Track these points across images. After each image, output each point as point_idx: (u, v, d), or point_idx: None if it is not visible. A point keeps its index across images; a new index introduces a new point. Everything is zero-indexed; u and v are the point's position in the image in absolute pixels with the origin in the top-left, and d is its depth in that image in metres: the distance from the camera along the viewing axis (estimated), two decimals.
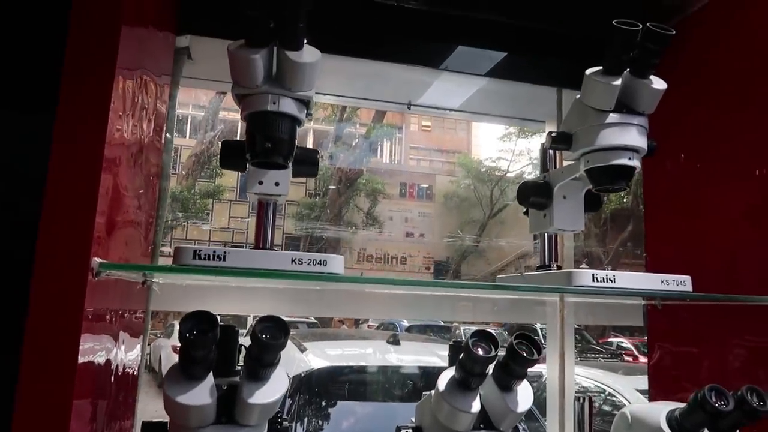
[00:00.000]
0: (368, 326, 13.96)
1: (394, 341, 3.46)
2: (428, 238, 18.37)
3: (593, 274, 0.89)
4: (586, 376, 4.88)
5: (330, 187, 17.76)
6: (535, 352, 0.78)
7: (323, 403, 3.26)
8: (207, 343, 0.73)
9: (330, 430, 3.09)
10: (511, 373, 0.80)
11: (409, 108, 1.59)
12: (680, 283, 0.94)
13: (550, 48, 1.41)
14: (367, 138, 18.92)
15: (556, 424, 1.28)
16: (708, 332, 1.13)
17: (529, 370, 0.79)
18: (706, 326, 1.13)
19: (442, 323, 10.48)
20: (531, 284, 0.98)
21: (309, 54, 0.88)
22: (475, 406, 0.80)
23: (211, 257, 0.81)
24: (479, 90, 1.58)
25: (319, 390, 3.14)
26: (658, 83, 0.95)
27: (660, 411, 0.86)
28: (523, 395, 0.81)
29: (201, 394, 0.75)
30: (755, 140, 1.07)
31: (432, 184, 19.67)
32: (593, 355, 10.27)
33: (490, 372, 0.84)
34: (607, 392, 4.12)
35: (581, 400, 1.09)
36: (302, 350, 3.47)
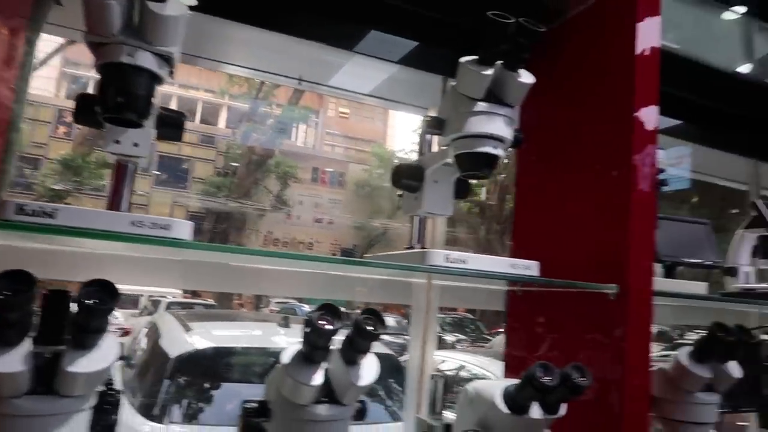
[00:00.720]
0: (270, 310, 13.79)
1: (285, 324, 3.41)
2: (337, 224, 18.38)
3: (446, 255, 0.92)
4: (476, 363, 5.15)
5: (238, 165, 17.22)
6: (380, 327, 0.79)
7: (206, 385, 3.15)
8: (20, 305, 0.67)
9: (212, 412, 2.99)
10: (356, 347, 0.81)
11: (300, 83, 1.55)
12: (527, 267, 1.00)
13: (459, 40, 1.43)
14: (281, 119, 18.52)
15: (413, 402, 1.32)
16: (558, 317, 1.20)
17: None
18: (556, 311, 1.21)
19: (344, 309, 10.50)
20: (382, 262, 0.99)
21: (174, 7, 0.82)
22: (317, 379, 0.79)
23: (39, 213, 0.74)
24: (390, 77, 1.57)
25: (201, 371, 3.04)
26: (527, 77, 0.99)
27: (498, 387, 0.91)
28: (368, 370, 0.82)
29: (12, 361, 0.68)
30: (608, 142, 1.15)
31: (345, 172, 19.68)
32: (483, 343, 10.83)
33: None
34: (492, 379, 4.35)
35: (435, 379, 1.12)
36: (187, 330, 3.33)
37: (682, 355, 1.14)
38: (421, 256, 0.93)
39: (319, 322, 0.77)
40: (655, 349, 1.18)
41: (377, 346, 0.85)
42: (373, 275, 1.23)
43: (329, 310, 0.78)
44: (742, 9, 1.73)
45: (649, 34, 1.13)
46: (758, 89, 1.82)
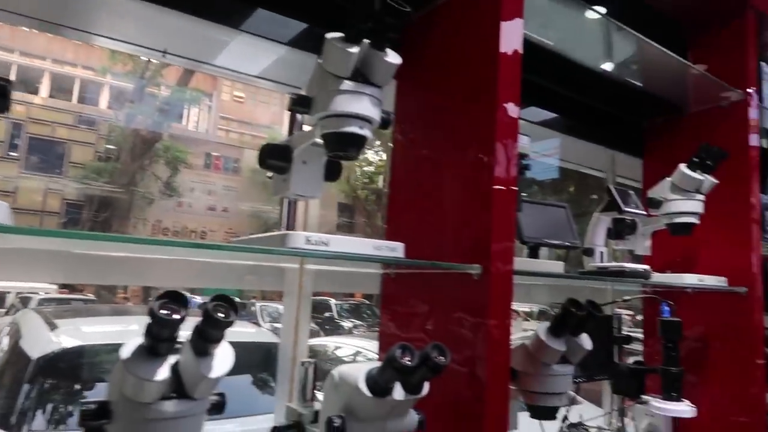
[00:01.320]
0: None
1: None
2: (232, 212, 17.71)
3: (306, 237, 0.89)
4: (371, 348, 5.22)
5: (120, 149, 15.98)
6: (232, 314, 0.74)
7: (77, 387, 2.90)
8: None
9: None
10: (206, 337, 0.75)
11: (164, 56, 1.43)
12: (393, 249, 1.00)
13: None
14: (170, 100, 17.43)
15: (286, 388, 1.29)
16: (428, 298, 1.23)
17: None
18: (426, 293, 1.23)
19: (239, 299, 10.20)
20: (241, 246, 0.94)
21: None
22: (162, 374, 0.73)
23: None
24: (280, 59, 1.50)
25: (69, 372, 2.78)
26: (393, 57, 0.98)
27: (362, 370, 0.90)
28: (220, 361, 0.77)
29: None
30: (473, 127, 1.18)
31: (240, 158, 18.96)
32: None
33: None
34: None
35: (305, 366, 1.10)
36: (52, 328, 3.03)
37: (541, 330, 1.21)
38: (282, 238, 0.89)
39: (161, 311, 0.71)
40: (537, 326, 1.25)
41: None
42: (247, 261, 1.18)
43: (173, 297, 0.72)
44: (603, 9, 1.86)
45: (512, 27, 1.17)
46: (615, 86, 1.98)
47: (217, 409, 0.87)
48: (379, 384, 0.87)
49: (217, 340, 0.77)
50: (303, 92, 1.03)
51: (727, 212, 1.84)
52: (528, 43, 1.25)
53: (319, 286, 1.37)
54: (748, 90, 1.86)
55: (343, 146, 1.00)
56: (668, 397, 1.60)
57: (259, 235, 0.98)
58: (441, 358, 0.86)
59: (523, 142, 1.31)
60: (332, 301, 11.94)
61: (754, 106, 1.87)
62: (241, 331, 4.05)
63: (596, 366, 1.59)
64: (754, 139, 1.85)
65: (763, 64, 2.09)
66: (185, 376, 0.77)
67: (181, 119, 19.70)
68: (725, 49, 1.95)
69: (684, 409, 1.57)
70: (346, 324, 11.12)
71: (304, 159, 1.09)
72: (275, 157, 1.07)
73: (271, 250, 0.89)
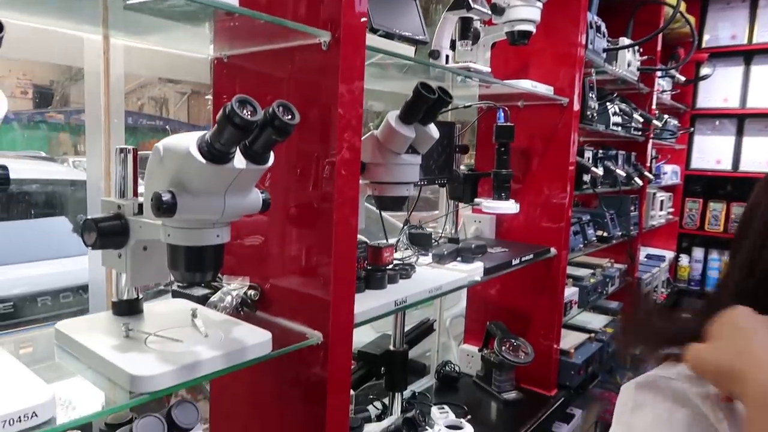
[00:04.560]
0: None
1: None
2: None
3: None
4: None
5: None
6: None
7: None
8: None
9: None
10: None
11: None
12: None
13: None
14: None
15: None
16: (267, 81, 1.08)
17: None
18: (267, 76, 1.07)
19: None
20: None
21: None
22: None
23: None
24: None
25: None
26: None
27: (193, 136, 0.75)
28: None
29: None
30: None
31: None
32: None
33: None
34: None
35: (124, 152, 0.90)
36: None
37: (391, 117, 1.15)
38: None
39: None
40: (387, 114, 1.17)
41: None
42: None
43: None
44: None
45: None
46: None
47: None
48: (214, 148, 0.73)
49: None
50: None
51: (555, 27, 1.90)
52: None
53: (133, 70, 1.12)
54: None
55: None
56: (498, 197, 1.72)
57: None
58: (288, 116, 0.75)
59: None
60: None
61: None
62: (52, 170, 3.56)
63: (438, 170, 1.63)
64: None
65: None
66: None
67: None
68: None
69: (510, 206, 1.72)
70: None
71: None
72: None
73: None
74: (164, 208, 0.74)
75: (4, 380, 0.72)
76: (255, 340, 0.92)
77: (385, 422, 1.25)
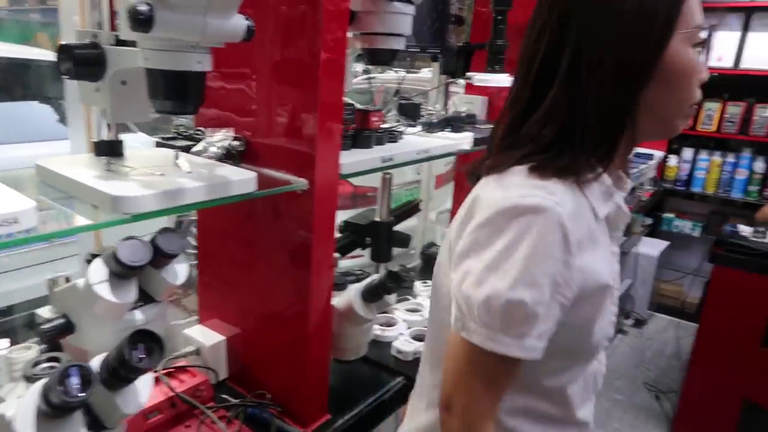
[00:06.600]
0: None
1: None
2: None
3: None
4: None
5: None
6: None
7: None
8: None
9: None
10: None
11: None
12: None
13: None
14: None
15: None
16: None
17: None
18: None
19: None
20: None
21: None
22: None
23: None
24: None
25: None
26: None
27: None
28: None
29: None
30: None
31: None
32: None
33: None
34: None
35: None
36: None
37: None
38: None
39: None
40: None
41: None
42: None
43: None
44: None
45: None
46: None
47: None
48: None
49: None
50: None
51: None
52: None
53: None
54: None
55: None
56: (492, 70, 1.67)
57: None
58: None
59: None
60: None
61: None
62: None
63: (431, 37, 1.56)
64: None
65: None
66: None
67: None
68: None
69: (503, 79, 1.67)
70: None
71: None
72: None
73: None
74: (140, 19, 0.69)
75: None
76: (239, 177, 0.91)
77: (369, 279, 1.29)
